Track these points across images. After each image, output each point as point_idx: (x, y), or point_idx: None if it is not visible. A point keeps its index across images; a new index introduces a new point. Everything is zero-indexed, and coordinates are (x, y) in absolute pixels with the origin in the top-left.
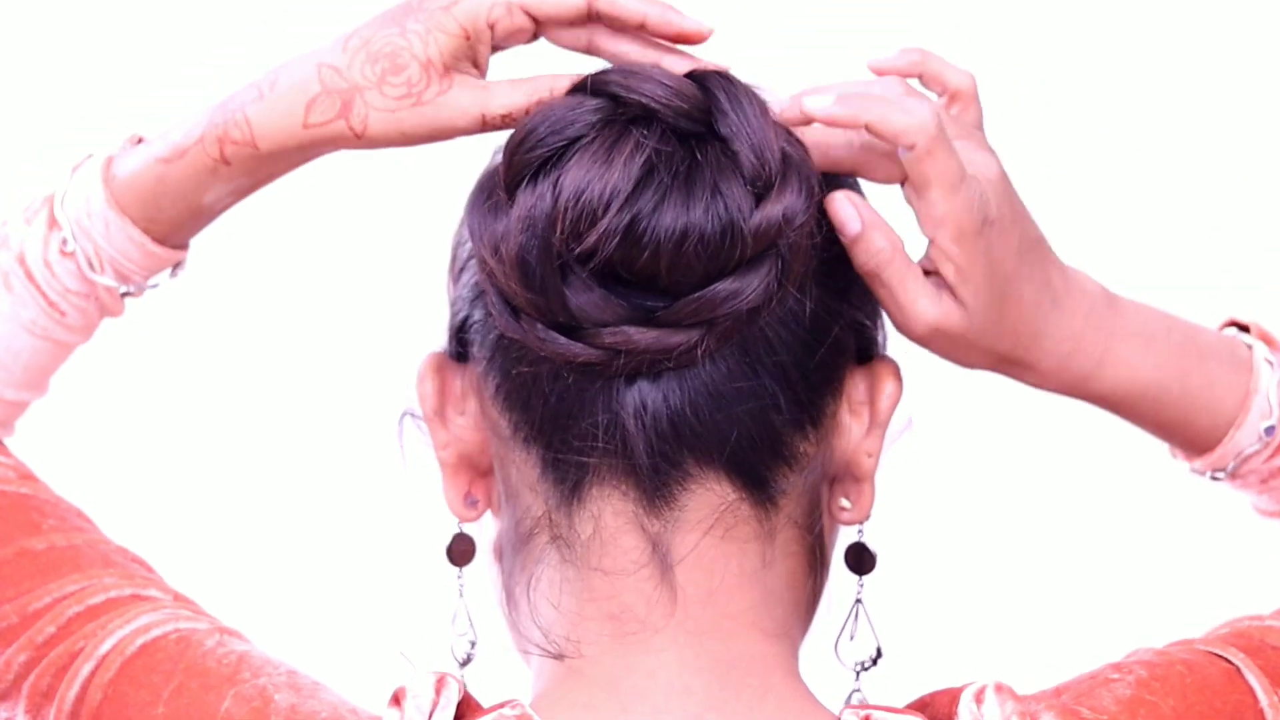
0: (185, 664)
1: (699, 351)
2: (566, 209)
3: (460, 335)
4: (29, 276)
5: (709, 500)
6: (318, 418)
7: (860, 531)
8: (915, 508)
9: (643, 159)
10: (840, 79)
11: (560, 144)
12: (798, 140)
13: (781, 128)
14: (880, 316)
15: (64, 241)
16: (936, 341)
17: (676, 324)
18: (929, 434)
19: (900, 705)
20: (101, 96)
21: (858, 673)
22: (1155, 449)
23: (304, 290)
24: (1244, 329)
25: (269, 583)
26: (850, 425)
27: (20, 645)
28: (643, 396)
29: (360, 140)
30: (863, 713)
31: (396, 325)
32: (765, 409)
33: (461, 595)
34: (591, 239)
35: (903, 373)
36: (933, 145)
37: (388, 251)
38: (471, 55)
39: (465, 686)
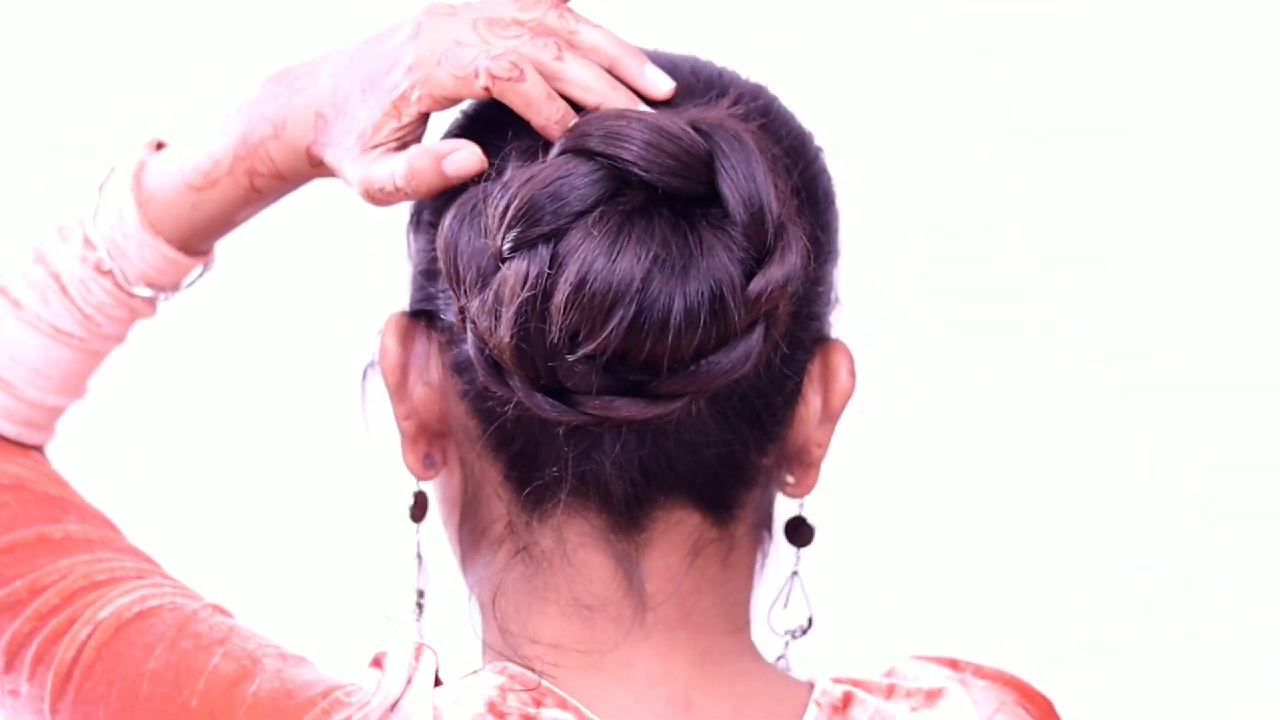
0: (178, 627)
1: (683, 412)
2: (568, 307)
3: (420, 302)
4: (64, 292)
5: (676, 528)
6: (293, 405)
7: (800, 505)
8: (855, 482)
9: (649, 259)
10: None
11: (555, 225)
12: (791, 192)
13: (780, 181)
14: (830, 298)
15: (99, 261)
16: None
17: (667, 396)
18: (870, 410)
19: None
20: (101, 96)
21: (787, 641)
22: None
23: (269, 262)
24: None
25: (248, 565)
26: (805, 413)
27: (26, 616)
28: (622, 448)
29: None
30: (843, 688)
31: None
32: (733, 447)
33: (419, 551)
34: (593, 344)
35: (855, 364)
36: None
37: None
38: (398, 136)
39: (438, 662)
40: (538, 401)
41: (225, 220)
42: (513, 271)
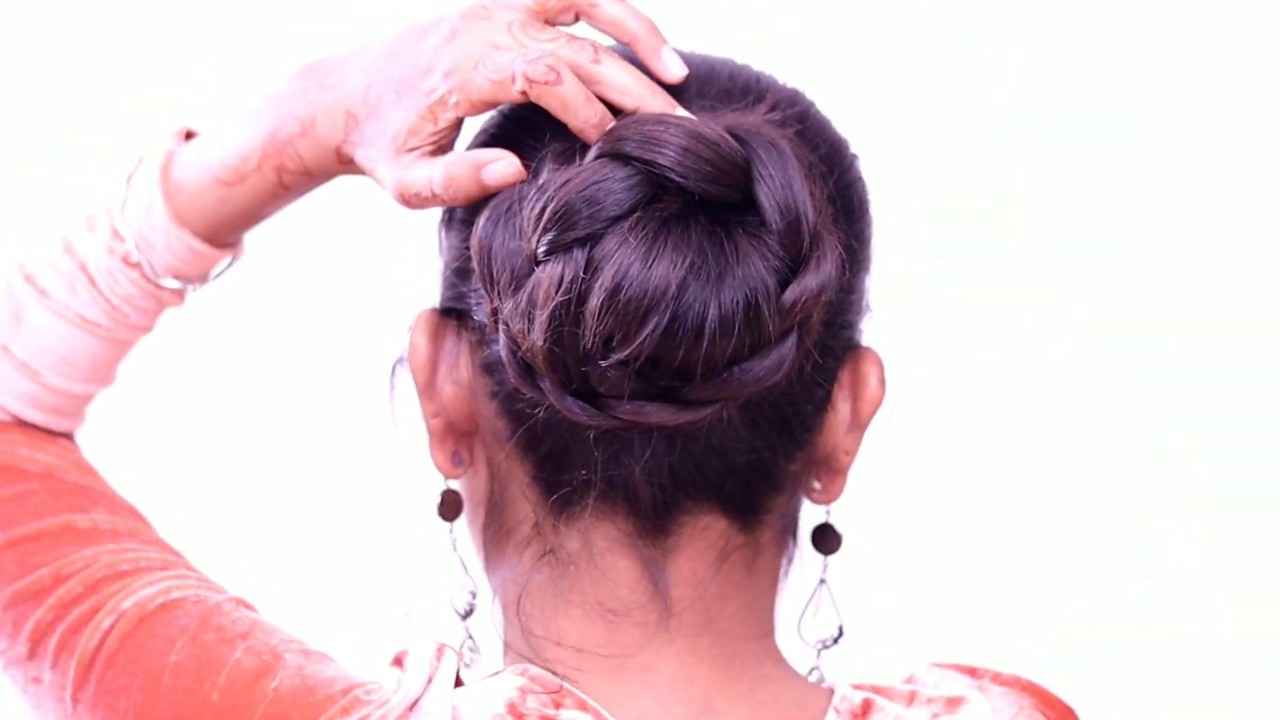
0: (201, 620)
1: (714, 419)
2: (603, 312)
3: (451, 300)
4: (92, 283)
5: (703, 534)
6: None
7: (827, 512)
8: (882, 490)
9: (685, 266)
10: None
11: (591, 230)
12: (826, 200)
13: (816, 189)
14: (862, 306)
15: (127, 253)
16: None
17: (699, 402)
18: (898, 418)
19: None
20: (101, 96)
21: (819, 651)
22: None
23: (297, 259)
24: None
25: (262, 567)
26: (834, 420)
27: (50, 604)
28: (653, 452)
29: None
30: (863, 695)
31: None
32: (762, 454)
33: (455, 549)
34: (627, 350)
35: (885, 372)
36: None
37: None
38: (433, 141)
39: (461, 662)
40: (569, 405)
41: (254, 214)
42: (547, 275)
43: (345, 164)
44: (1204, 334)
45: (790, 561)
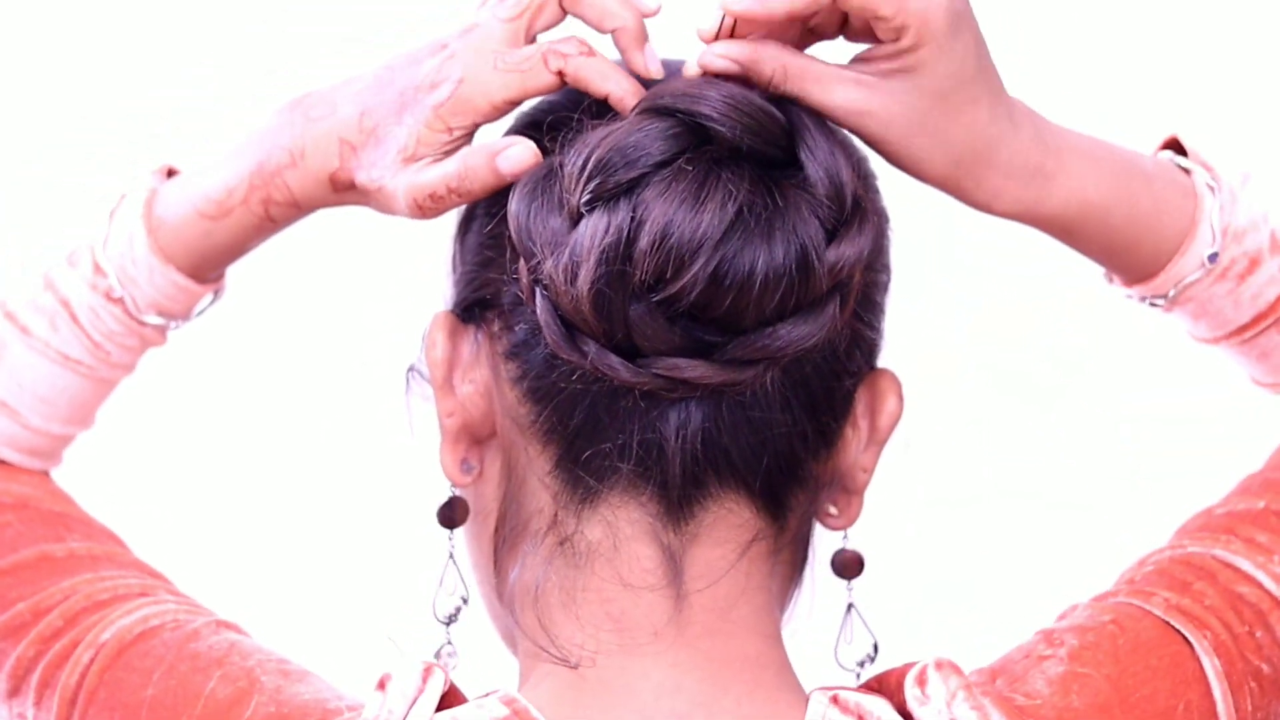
0: (177, 649)
1: (756, 385)
2: (652, 250)
3: (472, 295)
4: (74, 319)
5: (728, 520)
6: (305, 411)
7: (845, 537)
8: (898, 505)
9: (735, 206)
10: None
11: (636, 174)
12: (866, 171)
13: (852, 157)
14: (882, 324)
15: (110, 288)
16: (867, 122)
17: (740, 361)
18: (914, 432)
19: (854, 685)
20: (101, 96)
21: (858, 673)
22: (1142, 448)
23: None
24: (1182, 151)
25: (259, 574)
26: (850, 438)
27: (30, 640)
28: (687, 418)
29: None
30: (830, 693)
31: (372, 302)
32: (792, 437)
33: (452, 558)
34: (677, 286)
35: (902, 389)
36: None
37: (387, 242)
38: (447, 148)
39: (450, 678)
40: (610, 362)
41: (238, 248)
42: (593, 224)
43: (341, 191)
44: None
45: (800, 579)
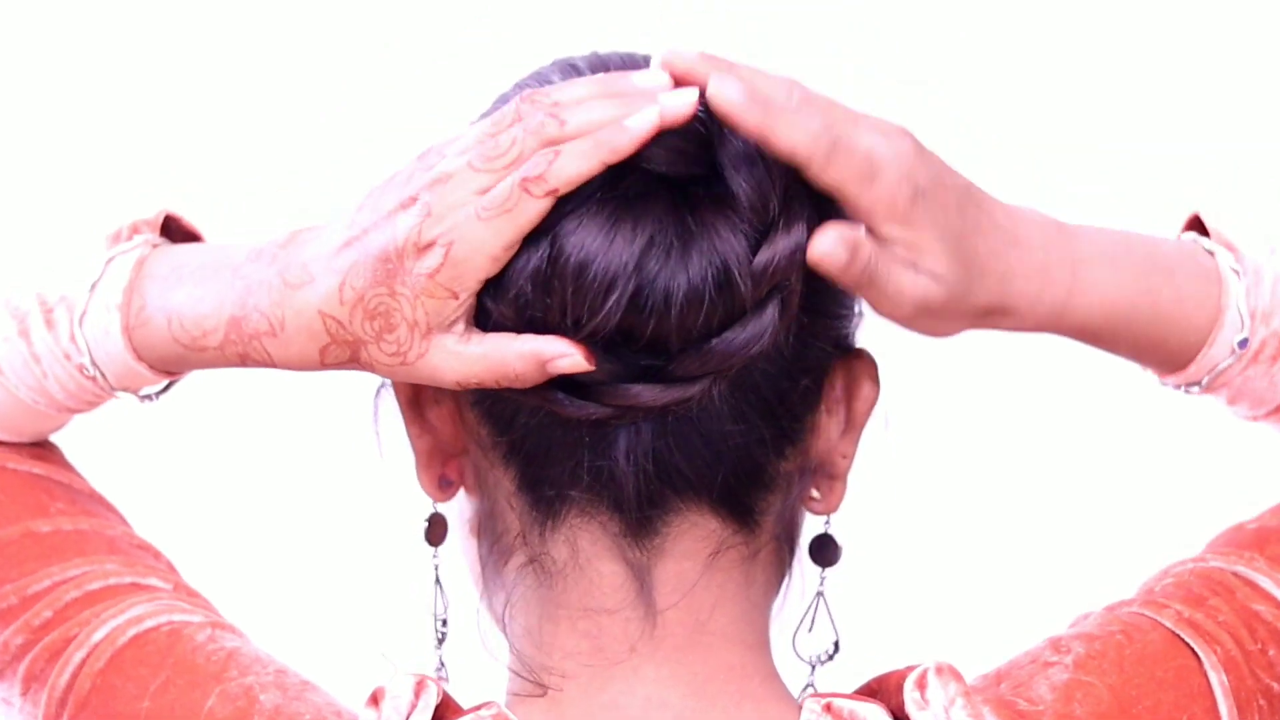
0: (174, 658)
1: (703, 400)
2: (569, 285)
3: None
4: (44, 375)
5: (693, 532)
6: (299, 421)
7: (827, 523)
8: (881, 499)
9: (645, 235)
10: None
11: (559, 212)
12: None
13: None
14: (855, 308)
15: (83, 366)
16: (921, 320)
17: (684, 378)
18: (897, 424)
19: (850, 690)
20: (101, 96)
21: (814, 666)
22: (1118, 435)
23: None
24: (1204, 232)
25: (257, 581)
26: (827, 424)
27: (17, 628)
28: (636, 440)
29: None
30: (823, 701)
31: None
32: (749, 445)
33: (437, 576)
34: (597, 319)
35: (879, 372)
36: (830, 153)
37: None
38: (462, 311)
39: (445, 689)
40: (555, 399)
41: (220, 367)
42: (515, 267)
43: (333, 366)
44: None
45: (789, 576)
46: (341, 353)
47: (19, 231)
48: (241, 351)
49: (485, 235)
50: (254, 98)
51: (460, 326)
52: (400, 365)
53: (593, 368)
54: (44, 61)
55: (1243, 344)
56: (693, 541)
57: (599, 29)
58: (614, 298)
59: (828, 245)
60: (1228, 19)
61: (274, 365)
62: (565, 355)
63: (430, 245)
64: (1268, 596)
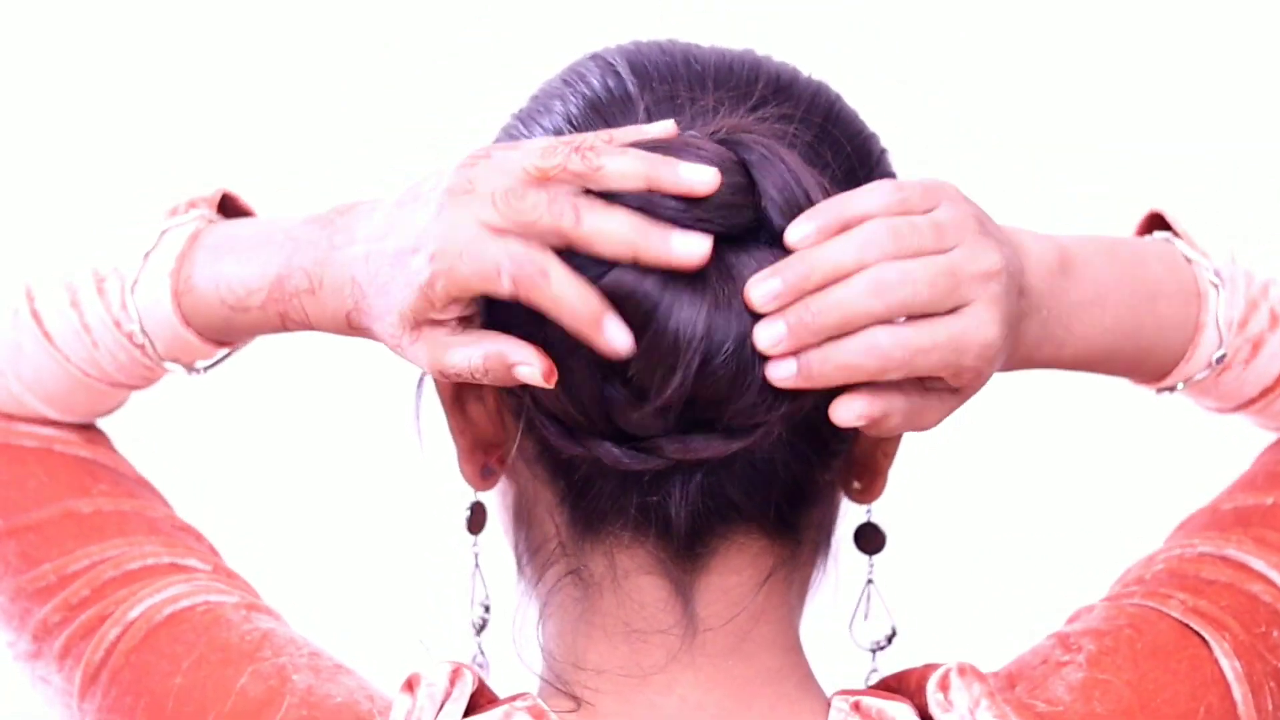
0: (208, 636)
1: (766, 442)
2: (631, 361)
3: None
4: (94, 345)
5: (739, 553)
6: (330, 409)
7: (869, 511)
8: (921, 488)
9: (707, 300)
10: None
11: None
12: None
13: (820, 179)
14: None
15: (132, 333)
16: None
17: (744, 429)
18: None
19: (865, 686)
20: (101, 96)
21: (874, 653)
22: (1158, 442)
23: None
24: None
25: (297, 568)
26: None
27: (55, 605)
28: (690, 479)
29: None
30: (850, 699)
31: None
32: (797, 465)
33: (476, 563)
34: (668, 392)
35: None
36: (973, 379)
37: None
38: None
39: (481, 678)
40: (614, 456)
41: (259, 333)
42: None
43: (357, 330)
44: None
45: (823, 573)
46: (362, 319)
47: (18, 232)
48: (282, 310)
49: (467, 276)
50: (254, 97)
51: (445, 330)
52: (395, 346)
53: (550, 385)
54: (44, 62)
55: (1220, 360)
56: (742, 561)
57: (599, 29)
58: (682, 370)
59: (848, 416)
60: (1227, 19)
61: (310, 326)
62: (526, 364)
63: (423, 251)
64: (1261, 577)
